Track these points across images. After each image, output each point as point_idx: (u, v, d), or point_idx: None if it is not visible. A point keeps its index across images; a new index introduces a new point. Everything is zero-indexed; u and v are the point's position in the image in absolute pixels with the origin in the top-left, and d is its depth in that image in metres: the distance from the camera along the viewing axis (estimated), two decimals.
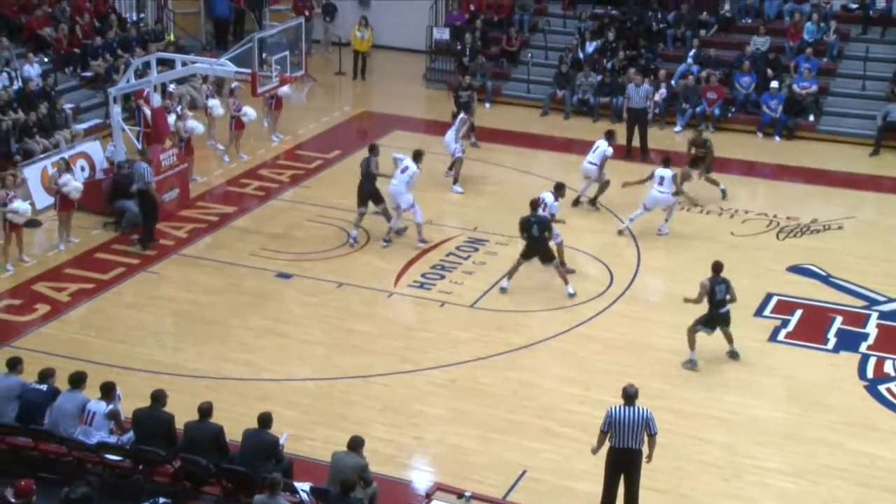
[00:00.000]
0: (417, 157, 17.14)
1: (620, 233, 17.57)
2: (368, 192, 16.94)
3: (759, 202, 19.30)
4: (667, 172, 17.24)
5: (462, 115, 19.97)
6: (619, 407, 10.53)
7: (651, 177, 17.46)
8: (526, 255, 15.39)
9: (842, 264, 16.68)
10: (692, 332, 13.74)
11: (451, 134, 19.55)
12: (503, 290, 15.56)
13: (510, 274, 15.64)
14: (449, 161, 19.56)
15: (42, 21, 23.06)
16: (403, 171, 16.86)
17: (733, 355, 13.93)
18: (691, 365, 13.72)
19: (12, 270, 15.93)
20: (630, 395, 10.60)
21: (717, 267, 13.80)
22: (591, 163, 18.22)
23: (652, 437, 10.54)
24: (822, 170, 20.96)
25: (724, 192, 19.03)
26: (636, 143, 21.28)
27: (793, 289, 15.95)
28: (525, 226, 15.26)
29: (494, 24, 26.30)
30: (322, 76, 26.08)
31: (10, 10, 23.00)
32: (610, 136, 18.41)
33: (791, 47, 23.87)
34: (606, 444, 10.65)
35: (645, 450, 10.59)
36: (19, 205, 15.92)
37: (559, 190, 16.03)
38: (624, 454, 10.54)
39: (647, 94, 21.39)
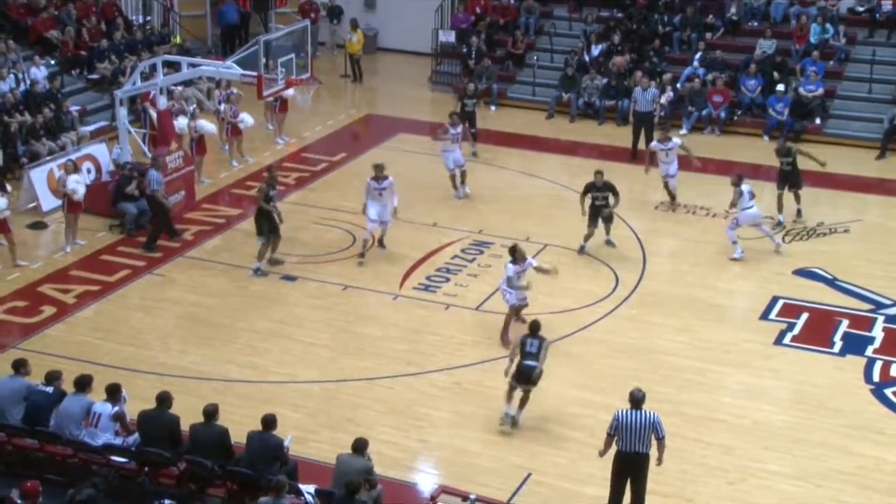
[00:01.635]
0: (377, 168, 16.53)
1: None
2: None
3: (765, 205, 19.23)
4: (746, 187, 16.84)
5: (453, 129, 18.78)
6: (626, 410, 10.52)
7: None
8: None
9: (848, 268, 16.65)
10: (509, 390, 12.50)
11: (457, 152, 18.83)
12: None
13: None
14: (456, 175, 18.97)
15: (49, 23, 23.11)
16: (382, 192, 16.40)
17: (510, 419, 12.42)
18: (507, 419, 12.48)
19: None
20: (637, 399, 10.58)
21: (535, 326, 12.57)
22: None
23: (660, 440, 10.52)
24: (828, 173, 20.88)
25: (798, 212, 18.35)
26: (642, 146, 21.24)
27: (799, 292, 15.92)
28: None
29: (500, 26, 26.30)
30: (327, 79, 26.10)
31: (17, 13, 23.06)
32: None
33: (797, 50, 23.84)
34: (613, 448, 10.64)
35: (653, 453, 10.57)
36: None
37: (513, 253, 14.17)
38: (630, 458, 10.53)
39: (654, 97, 21.36)
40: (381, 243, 16.91)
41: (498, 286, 14.53)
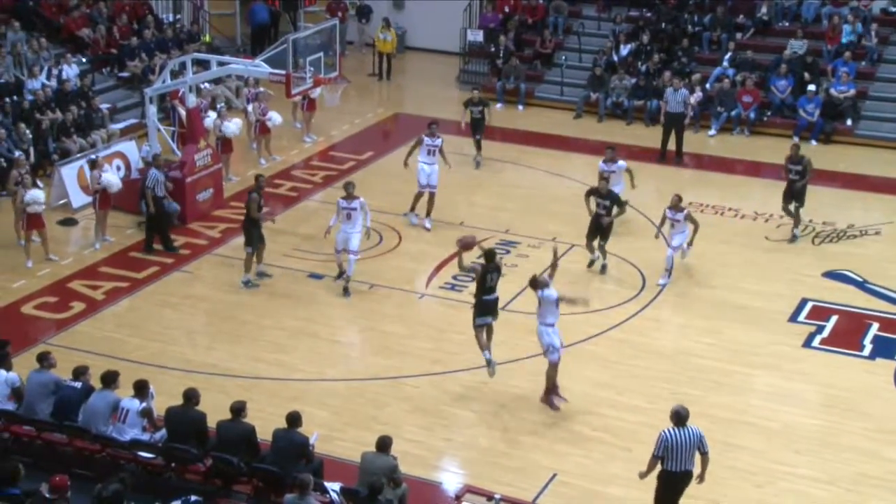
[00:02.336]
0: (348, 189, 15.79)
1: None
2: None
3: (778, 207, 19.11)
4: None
5: (429, 140, 17.84)
6: (673, 429, 10.12)
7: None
8: None
9: (878, 270, 16.49)
10: (476, 332, 13.00)
11: (433, 168, 17.78)
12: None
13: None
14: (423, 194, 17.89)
15: (80, 22, 23.30)
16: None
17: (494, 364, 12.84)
18: (489, 366, 12.93)
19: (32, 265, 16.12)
20: (682, 417, 10.16)
21: (491, 255, 13.00)
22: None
23: (704, 455, 10.22)
24: (859, 174, 20.75)
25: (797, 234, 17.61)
26: (671, 146, 21.15)
27: (828, 294, 15.79)
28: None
29: (528, 26, 26.26)
30: (356, 78, 26.14)
31: (50, 12, 23.26)
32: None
33: (829, 50, 23.64)
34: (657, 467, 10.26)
35: (696, 469, 10.27)
36: (31, 195, 16.00)
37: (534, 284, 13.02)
38: (680, 476, 10.17)
39: (685, 97, 21.22)
40: (340, 275, 15.56)
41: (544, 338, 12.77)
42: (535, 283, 12.79)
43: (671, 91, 21.15)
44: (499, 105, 24.39)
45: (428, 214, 17.85)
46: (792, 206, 17.32)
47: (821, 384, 13.63)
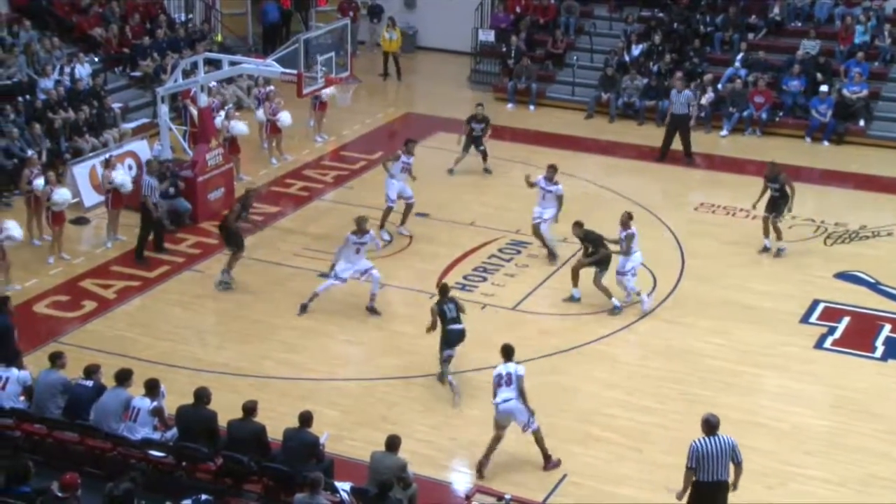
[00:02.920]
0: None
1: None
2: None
3: (807, 208, 19.01)
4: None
5: (405, 158, 17.38)
6: (703, 439, 9.91)
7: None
8: None
9: (891, 271, 16.43)
10: (442, 367, 13.20)
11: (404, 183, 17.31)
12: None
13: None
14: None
15: (93, 21, 23.38)
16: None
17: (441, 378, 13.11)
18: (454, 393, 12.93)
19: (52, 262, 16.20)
20: (713, 425, 9.93)
21: (444, 289, 13.44)
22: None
23: (738, 465, 10.01)
24: (871, 175, 20.67)
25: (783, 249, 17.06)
26: (676, 147, 21.08)
27: (840, 295, 15.74)
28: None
29: (540, 26, 26.23)
30: (367, 77, 26.15)
31: (63, 11, 23.34)
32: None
33: (841, 51, 23.56)
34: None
35: (731, 479, 10.07)
36: (60, 194, 16.09)
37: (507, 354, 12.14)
38: (714, 487, 9.92)
39: (689, 99, 21.14)
40: (302, 308, 15.01)
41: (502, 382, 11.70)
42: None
43: (675, 92, 21.10)
44: (510, 105, 24.37)
45: (403, 223, 17.47)
46: (772, 218, 16.78)
47: (832, 385, 13.58)
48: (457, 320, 13.18)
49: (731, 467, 10.05)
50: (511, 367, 11.65)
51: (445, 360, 13.23)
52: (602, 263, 15.01)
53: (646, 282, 16.04)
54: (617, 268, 14.97)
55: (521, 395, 11.51)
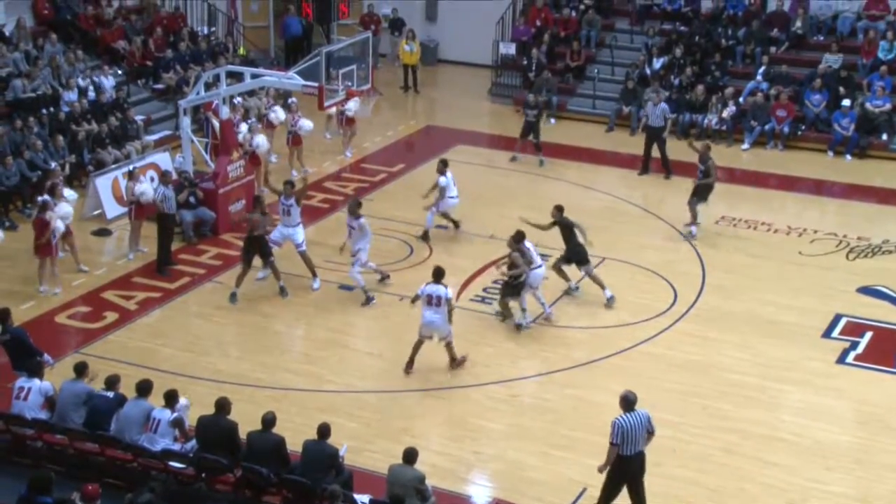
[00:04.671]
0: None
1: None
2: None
3: (829, 222, 18.96)
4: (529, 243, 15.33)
5: (285, 200, 16.27)
6: (624, 416, 10.48)
7: None
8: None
9: None
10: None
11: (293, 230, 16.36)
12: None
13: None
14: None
15: (117, 34, 23.56)
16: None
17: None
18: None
19: (48, 291, 15.94)
20: (631, 402, 10.58)
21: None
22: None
23: (650, 434, 10.62)
24: (895, 189, 20.53)
25: (692, 233, 17.88)
26: (657, 158, 21.04)
27: (863, 310, 15.62)
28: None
29: (561, 39, 26.24)
30: (388, 90, 26.25)
31: (87, 24, 23.55)
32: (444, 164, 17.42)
33: (864, 65, 23.44)
34: None
35: (646, 450, 10.69)
36: (62, 207, 16.10)
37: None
38: (633, 460, 10.54)
39: (664, 111, 21.10)
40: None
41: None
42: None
43: (651, 105, 21.12)
44: (552, 120, 24.15)
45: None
46: (693, 202, 17.73)
47: (855, 401, 13.48)
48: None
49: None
50: (441, 289, 13.49)
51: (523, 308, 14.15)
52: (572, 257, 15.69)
53: (666, 295, 15.98)
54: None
55: (449, 314, 13.48)
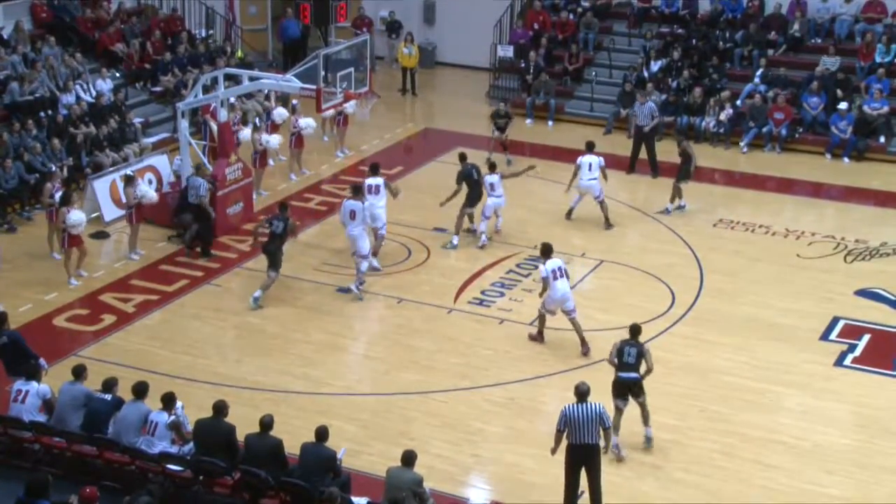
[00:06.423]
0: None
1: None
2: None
3: (827, 224, 18.97)
4: (593, 159, 18.07)
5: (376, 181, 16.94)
6: (573, 406, 10.81)
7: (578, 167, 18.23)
8: None
9: None
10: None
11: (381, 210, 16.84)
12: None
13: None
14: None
15: (115, 37, 23.55)
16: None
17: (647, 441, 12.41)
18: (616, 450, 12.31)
19: (76, 284, 16.21)
20: (583, 393, 10.89)
21: (635, 330, 12.60)
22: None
23: (606, 430, 11.05)
24: (892, 192, 20.54)
25: (669, 209, 19.10)
26: (644, 157, 21.07)
27: (861, 313, 15.63)
28: None
29: (559, 42, 26.25)
30: (386, 93, 26.24)
31: (85, 27, 23.53)
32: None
33: (862, 67, 23.46)
34: (564, 443, 10.90)
35: (602, 443, 11.08)
36: (75, 215, 16.15)
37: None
38: (582, 450, 10.82)
39: (652, 111, 21.15)
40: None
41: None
42: None
43: (638, 104, 21.22)
44: (528, 121, 24.40)
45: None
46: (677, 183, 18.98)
47: (853, 404, 13.48)
48: (633, 367, 12.16)
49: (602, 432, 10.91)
50: (558, 262, 14.22)
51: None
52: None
53: (664, 298, 15.99)
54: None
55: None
